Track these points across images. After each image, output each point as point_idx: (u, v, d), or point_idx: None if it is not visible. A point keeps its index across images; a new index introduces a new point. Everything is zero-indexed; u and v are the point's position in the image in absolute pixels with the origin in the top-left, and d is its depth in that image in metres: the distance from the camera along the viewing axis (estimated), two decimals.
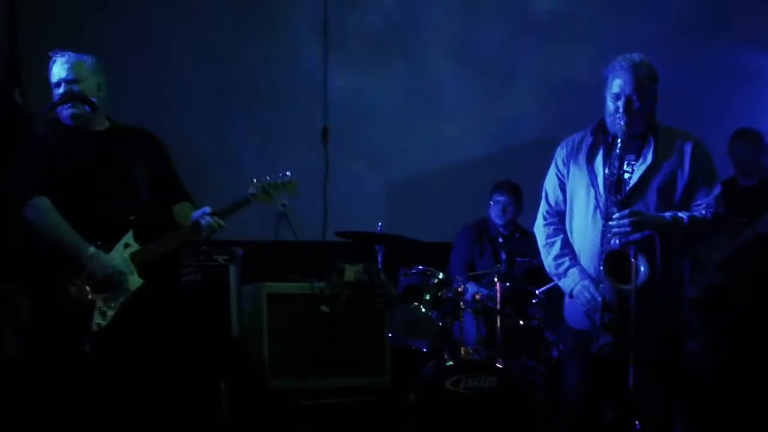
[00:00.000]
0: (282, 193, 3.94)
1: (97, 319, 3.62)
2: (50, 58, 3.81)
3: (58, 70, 3.76)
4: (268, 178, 3.92)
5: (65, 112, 3.75)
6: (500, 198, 5.77)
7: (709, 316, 4.96)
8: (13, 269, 3.86)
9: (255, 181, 3.91)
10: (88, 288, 3.62)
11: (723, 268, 4.99)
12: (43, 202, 3.65)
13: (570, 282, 3.77)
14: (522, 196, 5.78)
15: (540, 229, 3.93)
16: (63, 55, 3.78)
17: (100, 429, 3.59)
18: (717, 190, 3.67)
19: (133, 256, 3.71)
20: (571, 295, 3.78)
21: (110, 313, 3.64)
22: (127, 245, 3.72)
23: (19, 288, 3.85)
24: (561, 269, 3.81)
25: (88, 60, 3.81)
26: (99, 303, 3.63)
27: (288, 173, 3.96)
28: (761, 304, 5.07)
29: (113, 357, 3.61)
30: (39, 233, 3.64)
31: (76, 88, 3.72)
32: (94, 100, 3.71)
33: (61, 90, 3.74)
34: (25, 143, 3.77)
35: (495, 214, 5.79)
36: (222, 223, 3.78)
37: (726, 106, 6.74)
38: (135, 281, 3.69)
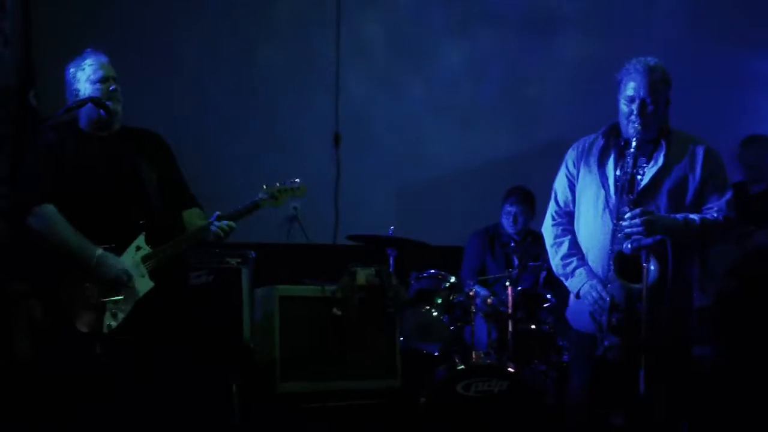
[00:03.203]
0: (290, 197, 4.00)
1: (108, 321, 3.63)
2: (66, 59, 3.84)
3: (107, 67, 3.79)
4: (278, 184, 3.96)
5: (94, 114, 3.75)
6: (511, 208, 5.75)
7: (719, 323, 4.95)
8: (25, 271, 3.88)
9: (265, 186, 3.95)
10: (97, 290, 3.64)
11: (733, 275, 4.98)
12: (48, 209, 3.66)
13: (577, 282, 3.76)
14: (534, 201, 5.77)
15: (548, 230, 3.94)
16: (102, 54, 3.83)
17: (111, 430, 3.60)
18: (728, 194, 3.66)
19: (145, 259, 3.73)
20: (578, 296, 3.77)
21: (121, 315, 3.65)
22: (138, 248, 3.73)
23: (32, 289, 3.87)
24: (568, 269, 3.80)
25: None
26: (110, 305, 3.65)
27: (297, 180, 4.01)
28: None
29: (124, 358, 3.62)
30: (45, 240, 3.65)
31: (116, 85, 3.78)
32: (110, 104, 3.72)
33: (113, 87, 3.76)
34: (31, 150, 3.79)
35: (507, 223, 5.78)
36: (233, 225, 3.80)
37: (732, 111, 6.74)
38: (146, 283, 3.71)
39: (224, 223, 3.78)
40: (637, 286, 3.50)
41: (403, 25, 6.86)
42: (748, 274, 5.09)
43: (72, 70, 3.81)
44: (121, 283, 3.65)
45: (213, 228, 3.77)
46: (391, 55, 6.83)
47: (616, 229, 3.58)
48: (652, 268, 3.47)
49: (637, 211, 3.52)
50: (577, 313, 3.84)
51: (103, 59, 3.81)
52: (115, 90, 3.77)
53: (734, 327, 5.15)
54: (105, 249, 3.67)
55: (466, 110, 6.94)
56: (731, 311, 5.13)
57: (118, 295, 3.65)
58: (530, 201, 5.78)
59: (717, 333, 5.04)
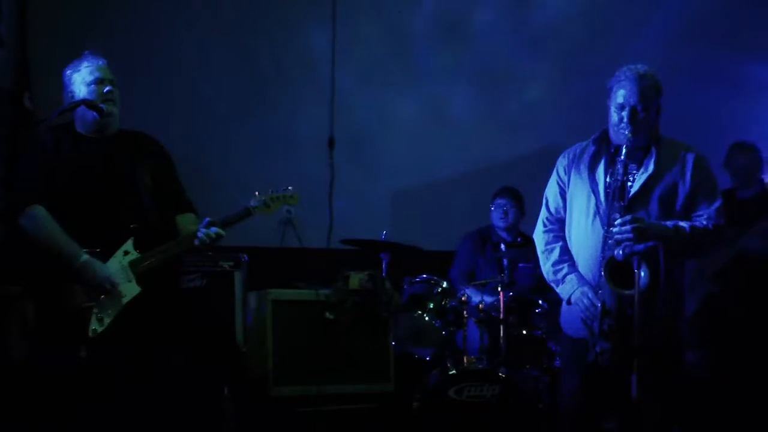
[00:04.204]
0: (283, 205, 4.00)
1: (94, 325, 3.62)
2: (62, 61, 3.84)
3: (104, 69, 3.78)
4: (270, 191, 3.96)
5: (88, 116, 3.75)
6: (501, 201, 5.82)
7: (706, 328, 4.97)
8: (19, 273, 3.88)
9: (257, 193, 3.94)
10: (84, 294, 3.63)
11: (718, 278, 5.00)
12: (39, 211, 3.66)
13: (568, 288, 3.77)
14: (523, 200, 5.83)
15: (539, 236, 3.95)
16: (100, 57, 3.82)
17: None
18: (718, 202, 3.68)
19: (132, 264, 3.71)
20: (569, 302, 3.78)
21: (107, 319, 3.64)
22: (126, 252, 3.72)
23: (25, 292, 3.87)
24: (559, 275, 3.81)
25: None
26: (96, 309, 3.64)
27: (290, 187, 4.01)
28: (756, 314, 5.10)
29: (110, 363, 3.60)
30: (35, 242, 3.65)
31: (112, 87, 3.77)
32: (103, 106, 3.72)
33: (108, 89, 3.75)
34: (27, 151, 3.79)
35: (497, 217, 5.83)
36: (222, 233, 3.78)
37: (726, 117, 6.77)
38: (133, 288, 3.69)
39: (212, 230, 3.75)
40: (627, 292, 3.52)
41: (398, 28, 6.88)
42: (734, 277, 5.12)
43: (69, 72, 3.81)
44: (104, 289, 3.64)
45: (200, 235, 3.75)
46: (386, 58, 6.85)
47: (606, 236, 3.60)
48: (642, 274, 3.48)
49: (628, 217, 3.53)
50: (569, 318, 3.84)
51: (101, 62, 3.80)
52: (110, 92, 3.75)
53: (721, 331, 5.18)
54: (91, 253, 3.66)
55: (460, 115, 6.96)
56: (718, 315, 5.16)
57: (103, 300, 3.64)
58: (520, 198, 5.85)
59: (705, 338, 5.06)
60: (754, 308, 5.13)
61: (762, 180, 5.68)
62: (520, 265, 5.42)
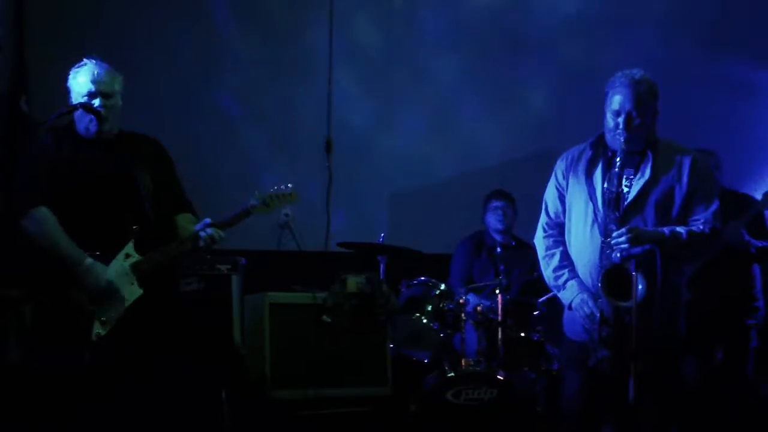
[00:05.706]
0: (282, 203, 3.99)
1: (97, 329, 3.63)
2: (58, 65, 3.82)
3: (99, 81, 3.74)
4: (269, 189, 3.95)
5: (93, 124, 3.73)
6: (498, 203, 5.84)
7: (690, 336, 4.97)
8: (17, 276, 3.88)
9: (256, 192, 3.94)
10: (87, 297, 3.63)
11: (690, 287, 4.98)
12: (42, 212, 3.65)
13: (569, 294, 3.77)
14: (515, 202, 5.86)
15: (540, 241, 3.94)
16: (104, 66, 3.78)
17: None
18: (715, 205, 3.67)
19: (134, 266, 3.72)
20: (570, 308, 3.78)
21: (110, 323, 3.64)
22: (127, 255, 3.72)
23: (24, 295, 3.86)
24: (560, 281, 3.81)
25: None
26: (99, 313, 3.64)
27: (289, 185, 3.99)
28: (727, 320, 5.10)
29: (111, 365, 3.61)
30: (37, 243, 3.65)
31: (104, 101, 3.73)
32: (101, 109, 3.72)
33: (99, 102, 3.71)
34: (27, 152, 3.78)
35: (496, 219, 5.83)
36: (222, 234, 3.79)
37: (729, 120, 6.76)
38: (135, 291, 3.69)
39: (212, 231, 3.76)
40: (625, 304, 3.52)
41: (396, 31, 6.88)
42: (705, 284, 5.10)
43: (70, 77, 3.78)
44: (107, 293, 3.64)
45: (202, 235, 3.76)
46: (383, 61, 6.84)
47: (604, 246, 3.60)
48: (639, 286, 3.48)
49: (623, 229, 3.54)
50: (570, 321, 3.85)
51: (97, 71, 3.75)
52: (101, 107, 3.71)
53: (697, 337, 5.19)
54: (93, 256, 3.66)
55: (458, 117, 6.95)
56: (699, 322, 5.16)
57: (106, 303, 3.64)
58: (513, 199, 5.87)
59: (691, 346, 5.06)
60: (728, 311, 5.14)
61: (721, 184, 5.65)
62: (516, 270, 5.43)
